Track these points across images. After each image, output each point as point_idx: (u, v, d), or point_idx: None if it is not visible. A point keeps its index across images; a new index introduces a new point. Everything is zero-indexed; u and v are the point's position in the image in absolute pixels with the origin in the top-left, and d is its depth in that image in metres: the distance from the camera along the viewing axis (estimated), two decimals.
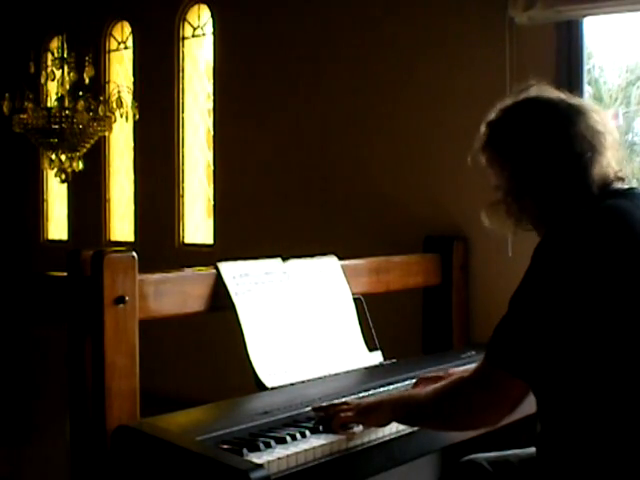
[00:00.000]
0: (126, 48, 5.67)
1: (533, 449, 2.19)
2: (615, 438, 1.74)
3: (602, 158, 1.84)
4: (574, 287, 1.71)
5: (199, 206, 5.24)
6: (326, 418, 2.22)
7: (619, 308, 1.71)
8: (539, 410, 1.90)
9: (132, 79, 5.51)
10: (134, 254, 2.35)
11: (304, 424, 2.22)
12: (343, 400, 2.32)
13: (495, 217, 1.93)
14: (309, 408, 2.31)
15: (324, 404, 2.30)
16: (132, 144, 5.56)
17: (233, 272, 2.63)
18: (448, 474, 2.31)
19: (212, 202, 5.01)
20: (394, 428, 2.26)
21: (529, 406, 2.67)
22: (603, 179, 1.84)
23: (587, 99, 3.57)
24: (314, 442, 2.10)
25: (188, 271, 2.60)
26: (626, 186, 1.89)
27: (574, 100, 1.90)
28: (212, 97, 5.01)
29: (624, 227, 1.75)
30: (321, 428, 2.19)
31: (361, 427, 2.21)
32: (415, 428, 2.28)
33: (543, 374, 1.78)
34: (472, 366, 1.99)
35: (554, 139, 1.83)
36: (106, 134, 5.25)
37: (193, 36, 5.22)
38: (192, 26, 5.21)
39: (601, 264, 1.71)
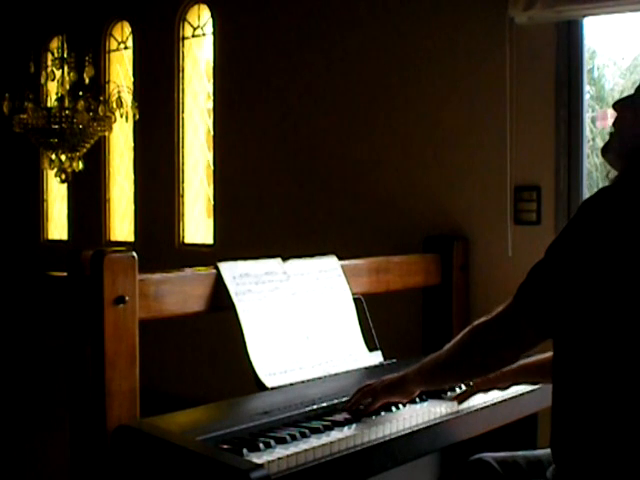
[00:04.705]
0: (126, 48, 5.68)
1: (540, 451, 2.19)
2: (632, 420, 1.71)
3: None
4: (613, 249, 1.71)
5: (199, 206, 5.24)
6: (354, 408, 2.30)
7: None
8: (555, 397, 1.87)
9: (132, 79, 5.51)
10: (134, 254, 2.34)
11: (304, 424, 2.22)
12: (365, 383, 2.35)
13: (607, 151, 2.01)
14: (309, 408, 2.32)
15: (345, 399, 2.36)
16: (132, 144, 5.56)
17: (233, 272, 2.63)
18: (457, 472, 2.30)
19: (212, 202, 5.01)
20: (394, 428, 2.26)
21: (528, 407, 2.70)
22: None
23: (588, 99, 3.58)
24: (314, 442, 2.10)
25: (188, 271, 2.60)
26: None
27: None
28: (212, 97, 5.01)
29: None
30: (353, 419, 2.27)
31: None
32: (415, 427, 2.29)
33: (566, 332, 1.79)
34: None
35: None
36: (106, 134, 5.25)
37: (193, 36, 5.22)
38: (192, 26, 5.21)
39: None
